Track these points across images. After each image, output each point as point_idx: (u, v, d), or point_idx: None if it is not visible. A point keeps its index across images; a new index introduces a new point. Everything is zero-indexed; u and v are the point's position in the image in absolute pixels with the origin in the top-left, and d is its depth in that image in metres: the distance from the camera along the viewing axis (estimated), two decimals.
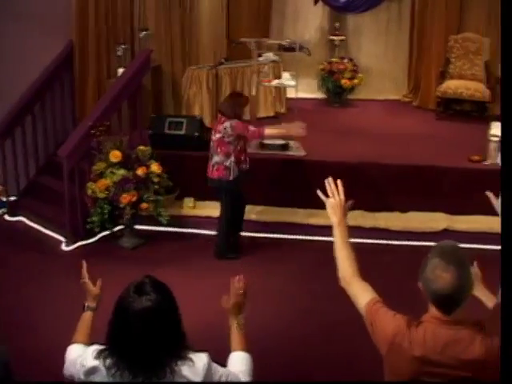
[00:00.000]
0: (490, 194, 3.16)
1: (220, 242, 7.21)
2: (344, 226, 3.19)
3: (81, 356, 2.93)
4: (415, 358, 2.75)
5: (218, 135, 6.86)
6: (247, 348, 3.18)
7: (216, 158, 6.91)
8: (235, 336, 3.22)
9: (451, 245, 2.87)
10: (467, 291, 2.77)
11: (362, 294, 3.00)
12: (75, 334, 3.27)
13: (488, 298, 3.19)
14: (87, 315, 3.40)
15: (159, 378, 2.73)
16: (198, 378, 2.78)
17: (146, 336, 2.72)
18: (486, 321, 2.84)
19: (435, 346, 2.75)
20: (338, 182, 3.25)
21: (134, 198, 7.10)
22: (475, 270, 3.37)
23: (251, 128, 6.87)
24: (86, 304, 3.44)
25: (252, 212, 7.76)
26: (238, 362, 3.10)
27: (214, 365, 2.88)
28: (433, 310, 2.81)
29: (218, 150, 6.87)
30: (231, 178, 6.89)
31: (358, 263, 3.13)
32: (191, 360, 2.79)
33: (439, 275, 2.72)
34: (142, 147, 7.46)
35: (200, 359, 2.82)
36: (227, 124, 6.78)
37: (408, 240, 7.25)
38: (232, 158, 6.85)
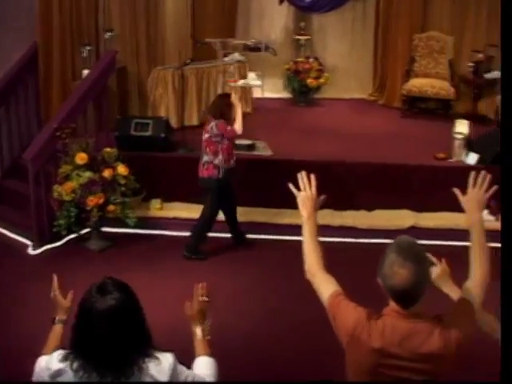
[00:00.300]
0: (456, 191, 3.18)
1: (193, 240, 7.21)
2: (313, 220, 3.22)
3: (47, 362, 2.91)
4: (374, 350, 2.79)
5: (206, 135, 7.01)
6: (211, 353, 3.17)
7: (205, 158, 7.02)
8: (199, 342, 3.20)
9: (408, 241, 2.89)
10: (424, 286, 2.80)
11: (325, 287, 3.03)
12: (45, 347, 3.23)
13: (456, 294, 3.21)
14: (57, 328, 3.35)
15: (127, 377, 2.73)
16: (165, 378, 2.78)
17: (111, 335, 2.71)
18: (445, 314, 2.87)
19: (394, 339, 2.78)
20: (312, 176, 3.26)
21: (101, 201, 7.06)
22: (443, 266, 3.41)
23: (228, 128, 6.94)
24: (57, 317, 3.38)
25: (220, 213, 7.76)
26: (203, 367, 3.09)
27: (180, 365, 2.88)
28: (392, 304, 2.85)
29: (207, 149, 6.99)
30: (220, 176, 7.00)
31: (324, 257, 3.16)
32: (157, 358, 2.79)
33: (396, 271, 2.76)
34: (108, 149, 7.42)
35: (166, 358, 2.82)
36: (213, 124, 6.95)
37: (375, 238, 7.30)
38: (220, 157, 6.96)
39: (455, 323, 2.82)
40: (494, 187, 3.18)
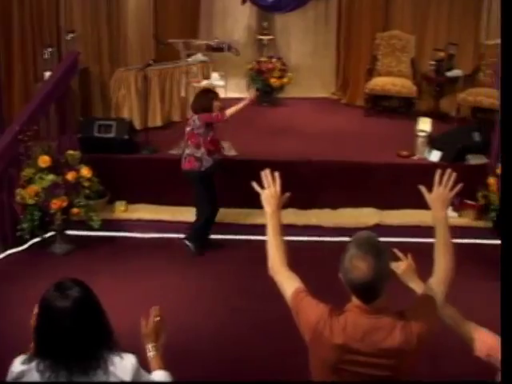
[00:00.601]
0: (423, 189, 3.22)
1: (197, 235, 7.29)
2: (277, 217, 3.24)
3: None
4: (336, 345, 2.81)
5: (188, 128, 7.05)
6: (166, 367, 3.16)
7: (187, 150, 7.05)
8: (153, 358, 3.17)
9: (367, 235, 2.93)
10: (384, 280, 2.83)
11: (288, 284, 3.06)
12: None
13: (421, 289, 3.24)
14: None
15: (94, 369, 2.76)
16: (127, 377, 2.81)
17: (73, 331, 2.74)
18: (407, 310, 2.90)
19: (355, 334, 2.81)
20: (275, 174, 3.28)
21: (65, 204, 7.00)
22: (409, 261, 3.43)
23: (214, 114, 6.97)
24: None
25: (186, 213, 7.75)
26: (160, 379, 3.10)
27: (142, 370, 2.91)
28: (354, 300, 2.88)
29: (189, 142, 7.03)
30: (203, 168, 7.01)
31: (288, 254, 3.18)
32: (120, 355, 2.83)
33: (356, 265, 2.79)
34: (71, 151, 7.36)
35: (129, 358, 2.86)
36: (195, 117, 6.99)
37: (340, 236, 7.30)
38: (202, 150, 6.97)
39: (417, 318, 2.85)
40: (459, 186, 3.21)
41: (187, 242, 7.24)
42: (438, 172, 3.21)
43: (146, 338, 3.23)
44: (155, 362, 3.17)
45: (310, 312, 2.91)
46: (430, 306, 2.96)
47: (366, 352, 2.80)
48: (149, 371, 3.08)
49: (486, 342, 3.06)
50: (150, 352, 3.19)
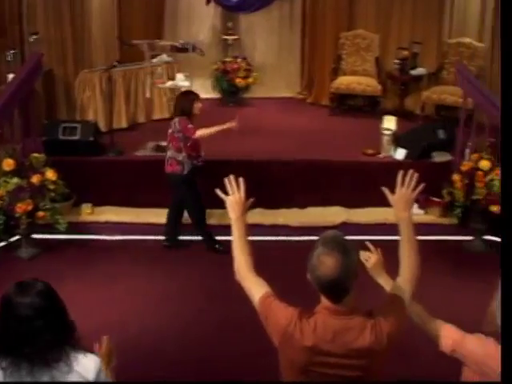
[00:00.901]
0: (385, 190, 3.23)
1: (203, 235, 7.31)
2: (242, 222, 3.24)
3: None
4: (306, 348, 2.81)
5: (170, 130, 7.03)
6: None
7: (169, 153, 7.05)
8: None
9: (334, 234, 2.94)
10: (352, 277, 2.82)
11: (255, 289, 3.05)
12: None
13: (389, 285, 3.26)
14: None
15: (56, 361, 2.76)
16: (90, 377, 2.81)
17: (35, 324, 2.74)
18: (376, 309, 2.92)
19: (326, 336, 2.81)
20: (240, 179, 3.27)
21: (30, 207, 6.93)
22: (378, 255, 3.44)
23: (189, 126, 6.90)
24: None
25: (152, 214, 7.72)
26: None
27: (103, 372, 2.91)
28: (324, 301, 2.88)
29: (170, 144, 7.02)
30: (185, 172, 6.99)
31: (254, 258, 3.17)
32: (84, 353, 2.84)
33: (323, 261, 2.78)
34: (35, 154, 7.29)
35: (92, 358, 2.86)
36: (176, 119, 6.98)
37: (307, 235, 7.32)
38: (184, 154, 6.94)
39: (387, 317, 2.86)
40: (421, 185, 3.23)
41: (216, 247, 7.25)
42: (401, 173, 3.23)
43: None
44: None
45: (280, 315, 2.90)
46: (399, 304, 2.97)
47: (337, 353, 2.81)
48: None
49: (450, 337, 3.09)
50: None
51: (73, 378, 2.78)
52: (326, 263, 2.78)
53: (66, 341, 2.81)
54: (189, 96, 7.15)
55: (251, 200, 3.28)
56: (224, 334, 5.74)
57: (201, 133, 6.92)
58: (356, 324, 2.83)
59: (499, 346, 2.90)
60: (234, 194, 3.26)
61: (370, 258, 3.41)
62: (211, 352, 5.48)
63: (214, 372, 5.22)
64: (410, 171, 3.23)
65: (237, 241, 3.20)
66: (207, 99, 10.80)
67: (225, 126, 7.09)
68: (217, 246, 7.19)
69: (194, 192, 7.12)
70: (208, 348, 5.53)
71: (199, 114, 7.08)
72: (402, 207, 3.18)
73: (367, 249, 3.47)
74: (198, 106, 7.03)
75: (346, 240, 2.90)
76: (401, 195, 3.20)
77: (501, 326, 2.81)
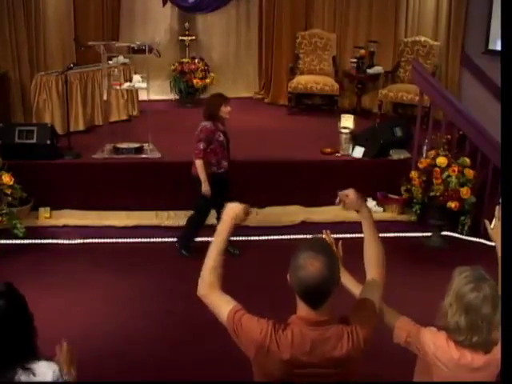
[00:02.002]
0: (337, 203, 3.24)
1: (186, 234, 7.14)
2: (229, 234, 3.08)
3: None
4: (284, 360, 2.75)
5: (196, 132, 6.86)
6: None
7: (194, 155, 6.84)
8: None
9: (318, 238, 2.97)
10: (335, 283, 2.79)
11: (221, 305, 2.93)
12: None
13: (354, 285, 3.26)
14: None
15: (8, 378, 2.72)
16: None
17: None
18: (350, 315, 2.89)
19: (303, 347, 2.76)
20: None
21: None
22: (340, 253, 3.41)
23: (199, 145, 6.74)
24: None
25: (112, 217, 7.69)
26: None
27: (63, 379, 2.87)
28: (300, 310, 2.82)
29: (194, 147, 6.82)
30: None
31: (222, 277, 3.02)
32: (41, 364, 2.79)
33: (309, 263, 2.71)
34: None
35: (50, 366, 2.82)
36: (202, 124, 6.83)
37: (267, 235, 7.35)
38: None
39: (361, 322, 2.83)
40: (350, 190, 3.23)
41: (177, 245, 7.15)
42: (339, 194, 3.21)
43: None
44: None
45: (252, 329, 2.82)
46: (371, 307, 2.94)
47: (315, 363, 2.76)
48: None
49: (404, 328, 3.15)
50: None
51: None
52: (312, 265, 2.71)
53: (23, 355, 2.74)
54: (216, 100, 6.98)
55: (252, 213, 3.21)
56: (192, 335, 5.71)
57: (199, 164, 6.75)
58: (333, 333, 2.78)
59: (450, 341, 3.00)
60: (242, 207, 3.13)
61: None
62: (177, 353, 5.45)
63: (182, 374, 5.18)
64: (339, 192, 3.22)
65: (212, 258, 3.02)
66: (165, 100, 10.81)
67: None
68: (184, 251, 7.05)
69: (206, 198, 6.87)
70: (173, 349, 5.51)
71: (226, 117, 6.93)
72: (357, 207, 3.19)
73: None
74: (226, 109, 6.86)
75: (330, 246, 2.89)
76: (349, 202, 3.19)
77: (501, 325, 2.86)
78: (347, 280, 3.31)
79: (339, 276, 2.86)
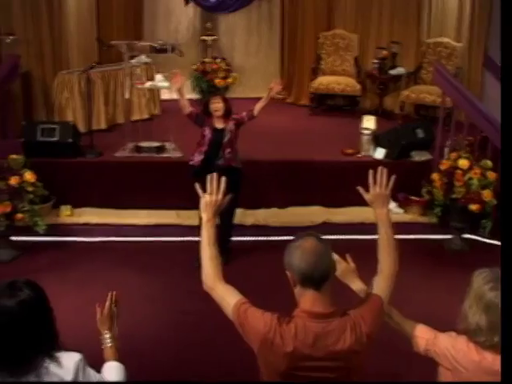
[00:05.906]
0: (360, 190, 3.25)
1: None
2: (212, 225, 3.14)
3: None
4: (287, 353, 2.77)
5: None
6: (120, 358, 3.16)
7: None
8: (107, 348, 3.21)
9: (309, 232, 2.96)
10: (330, 263, 2.84)
11: (227, 298, 2.98)
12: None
13: (363, 291, 3.26)
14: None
15: (25, 373, 2.71)
16: (69, 376, 2.77)
17: (10, 331, 2.69)
18: (354, 309, 2.90)
19: (307, 340, 2.78)
20: (222, 179, 3.17)
21: (8, 209, 6.89)
22: (351, 264, 3.44)
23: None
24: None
25: (132, 216, 7.71)
26: (112, 372, 3.09)
27: (89, 368, 2.87)
28: (303, 303, 2.85)
29: None
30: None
31: (222, 266, 3.09)
32: (60, 359, 2.77)
33: (303, 242, 2.81)
34: (13, 156, 7.24)
35: (71, 357, 2.80)
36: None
37: (288, 235, 7.29)
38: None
39: (366, 317, 2.86)
40: (393, 178, 3.23)
41: None
42: (371, 172, 3.23)
43: (100, 326, 3.26)
44: (109, 353, 3.18)
45: (257, 322, 2.85)
46: (377, 303, 2.97)
47: (318, 356, 2.78)
48: (102, 362, 3.08)
49: (423, 337, 3.13)
50: (105, 342, 3.21)
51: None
52: (306, 242, 2.80)
53: (43, 351, 2.75)
54: (208, 98, 7.26)
55: (227, 200, 3.21)
56: (207, 334, 5.72)
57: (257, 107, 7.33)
58: (336, 326, 2.81)
59: (470, 343, 2.96)
60: (211, 194, 3.18)
61: (340, 265, 3.37)
62: (189, 353, 5.46)
63: (192, 373, 5.19)
64: (379, 168, 3.24)
65: (206, 248, 3.10)
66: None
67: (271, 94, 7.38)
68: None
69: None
70: (187, 349, 5.51)
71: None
72: (379, 205, 3.21)
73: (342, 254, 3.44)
74: (212, 106, 7.01)
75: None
76: (375, 194, 3.22)
77: (501, 325, 2.84)
78: (358, 289, 3.31)
79: (333, 259, 2.91)
